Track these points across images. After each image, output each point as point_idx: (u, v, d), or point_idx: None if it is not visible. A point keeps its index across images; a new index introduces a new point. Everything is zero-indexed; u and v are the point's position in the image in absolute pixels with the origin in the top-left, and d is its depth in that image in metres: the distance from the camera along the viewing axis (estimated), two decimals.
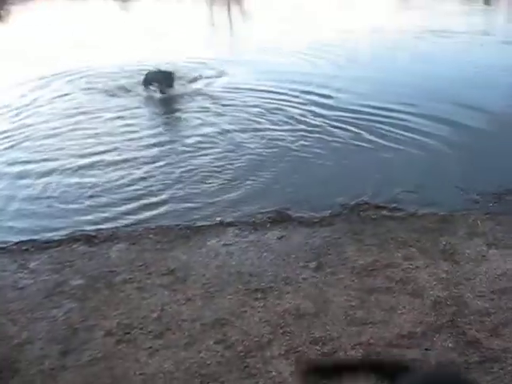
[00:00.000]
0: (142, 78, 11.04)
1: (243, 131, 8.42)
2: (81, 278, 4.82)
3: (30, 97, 11.16)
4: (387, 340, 3.75)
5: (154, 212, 6.08)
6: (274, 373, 3.52)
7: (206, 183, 6.77)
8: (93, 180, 7.07)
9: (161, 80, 10.38)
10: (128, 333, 4.03)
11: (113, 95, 10.84)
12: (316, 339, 3.78)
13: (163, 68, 10.65)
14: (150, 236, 5.47)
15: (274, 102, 9.68)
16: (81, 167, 7.50)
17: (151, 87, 10.69)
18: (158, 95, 10.58)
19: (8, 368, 3.75)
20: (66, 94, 11.14)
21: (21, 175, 7.40)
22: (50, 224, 6.05)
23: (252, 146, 7.89)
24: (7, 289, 4.79)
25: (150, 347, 3.86)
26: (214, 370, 3.60)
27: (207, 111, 9.50)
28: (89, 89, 11.29)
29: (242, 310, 4.17)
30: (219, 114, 9.30)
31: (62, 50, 15.31)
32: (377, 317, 4.00)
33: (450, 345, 3.70)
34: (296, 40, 14.74)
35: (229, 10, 24.40)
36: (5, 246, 5.60)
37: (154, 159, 7.59)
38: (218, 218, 5.80)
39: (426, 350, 3.66)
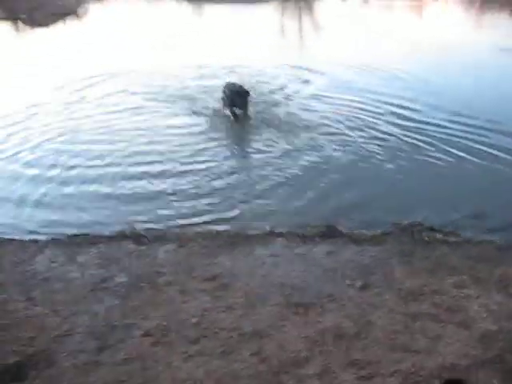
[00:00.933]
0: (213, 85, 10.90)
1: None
2: (126, 276, 4.86)
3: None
4: (428, 370, 3.61)
5: (205, 217, 6.09)
6: None
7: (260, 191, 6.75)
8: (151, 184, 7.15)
9: (238, 102, 9.55)
10: (165, 335, 4.02)
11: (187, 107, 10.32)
12: (353, 362, 3.67)
13: (237, 81, 10.02)
14: (199, 240, 5.46)
15: (356, 112, 9.71)
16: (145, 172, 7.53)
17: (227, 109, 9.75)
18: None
19: (45, 359, 3.80)
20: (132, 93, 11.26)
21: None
22: (103, 220, 6.18)
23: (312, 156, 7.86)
24: (54, 280, 4.88)
25: (185, 352, 3.84)
26: (246, 383, 3.54)
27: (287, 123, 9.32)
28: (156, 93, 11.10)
29: (282, 324, 4.10)
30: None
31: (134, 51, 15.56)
32: (420, 344, 3.86)
33: (495, 381, 3.52)
34: (369, 53, 14.64)
35: (300, 19, 24.34)
36: (59, 238, 5.73)
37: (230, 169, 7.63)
38: (268, 227, 5.75)
39: None
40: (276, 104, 10.24)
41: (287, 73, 12.49)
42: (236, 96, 9.48)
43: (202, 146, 8.29)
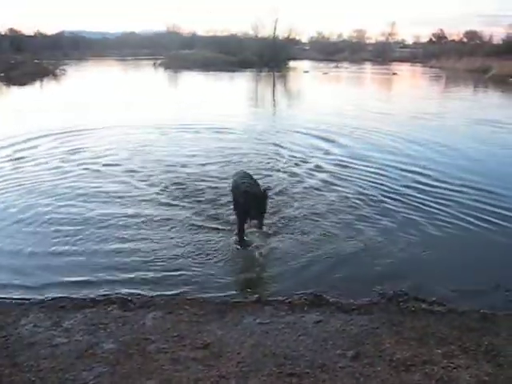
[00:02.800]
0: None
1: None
2: (113, 343, 4.79)
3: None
4: None
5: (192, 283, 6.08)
6: None
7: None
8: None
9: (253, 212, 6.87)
10: None
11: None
12: None
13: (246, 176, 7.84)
14: (186, 307, 5.43)
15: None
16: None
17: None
18: None
19: None
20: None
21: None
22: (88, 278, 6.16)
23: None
24: (40, 345, 4.78)
25: None
26: None
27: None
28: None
29: None
30: None
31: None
32: None
33: None
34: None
35: (273, 87, 25.09)
36: (43, 298, 5.66)
37: None
38: (255, 295, 5.76)
39: None
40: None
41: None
42: (253, 201, 6.66)
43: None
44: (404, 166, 11.64)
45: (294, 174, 10.85)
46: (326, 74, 51.83)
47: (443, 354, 4.66)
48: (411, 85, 40.09)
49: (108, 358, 4.54)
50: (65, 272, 6.40)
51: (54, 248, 7.09)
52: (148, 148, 13.51)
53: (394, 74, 52.11)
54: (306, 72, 52.67)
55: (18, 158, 12.21)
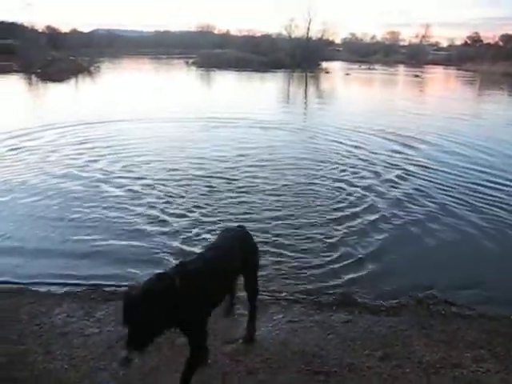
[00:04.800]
0: None
1: None
2: None
3: None
4: None
5: None
6: None
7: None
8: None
9: None
10: None
11: None
12: None
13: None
14: None
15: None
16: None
17: None
18: None
19: None
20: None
21: None
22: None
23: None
24: (73, 335, 4.88)
25: None
26: None
27: None
28: None
29: None
30: None
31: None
32: None
33: None
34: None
35: (309, 87, 25.10)
36: (76, 289, 5.80)
37: None
38: (284, 294, 5.79)
39: None
40: None
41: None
42: None
43: None
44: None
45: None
46: (348, 75, 51.58)
47: (472, 358, 4.63)
48: (446, 88, 39.66)
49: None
50: (97, 265, 6.52)
51: (85, 240, 7.23)
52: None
53: (417, 76, 51.36)
54: (348, 74, 52.39)
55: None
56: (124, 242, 7.19)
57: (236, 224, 5.26)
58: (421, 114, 21.64)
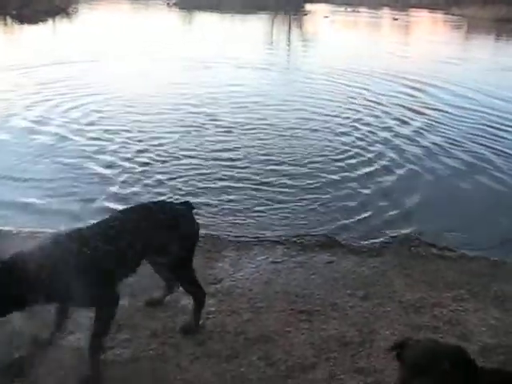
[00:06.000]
0: None
1: None
2: None
3: None
4: None
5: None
6: None
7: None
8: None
9: None
10: (172, 336, 4.04)
11: None
12: (359, 369, 3.72)
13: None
14: (200, 244, 5.48)
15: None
16: None
17: None
18: None
19: None
20: None
21: None
22: None
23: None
24: None
25: (192, 354, 3.86)
26: None
27: None
28: None
29: (287, 330, 4.14)
30: None
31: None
32: None
33: None
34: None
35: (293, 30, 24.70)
36: None
37: None
38: (268, 234, 5.83)
39: None
40: None
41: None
42: None
43: None
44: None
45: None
46: (326, 17, 50.50)
47: (452, 297, 4.71)
48: (432, 32, 39.21)
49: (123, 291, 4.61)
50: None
51: None
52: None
53: (395, 19, 50.12)
54: (326, 17, 51.35)
55: None
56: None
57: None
58: (409, 57, 21.45)
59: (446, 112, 11.77)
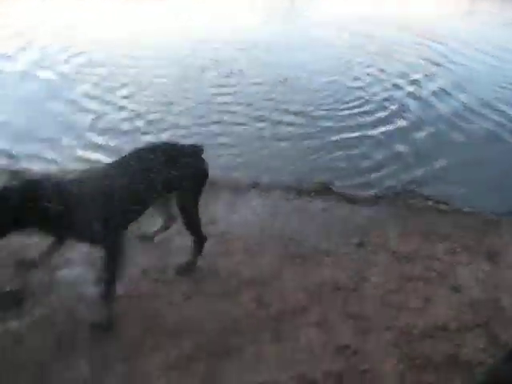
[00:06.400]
0: None
1: None
2: None
3: None
4: (421, 329, 3.71)
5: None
6: (304, 339, 3.53)
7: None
8: None
9: None
10: (164, 275, 4.06)
11: None
12: (350, 314, 3.77)
13: None
14: None
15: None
16: None
17: None
18: None
19: None
20: None
21: None
22: None
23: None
24: None
25: (185, 293, 3.89)
26: (246, 326, 3.61)
27: None
28: None
29: (280, 273, 4.17)
30: None
31: None
32: (413, 304, 3.95)
33: (481, 345, 3.64)
34: None
35: None
36: None
37: None
38: (265, 178, 5.83)
39: (458, 345, 3.61)
40: None
41: None
42: None
43: None
44: None
45: None
46: None
47: (445, 250, 4.72)
48: None
49: None
50: None
51: None
52: None
53: None
54: None
55: None
56: None
57: None
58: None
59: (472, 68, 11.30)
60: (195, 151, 3.97)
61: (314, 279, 4.12)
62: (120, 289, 3.79)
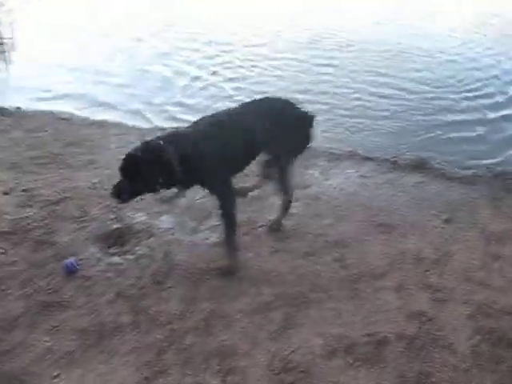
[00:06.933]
0: None
1: None
2: None
3: None
4: (501, 306, 3.70)
5: None
6: (380, 301, 3.65)
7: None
8: None
9: None
10: (254, 229, 4.32)
11: None
12: (430, 284, 3.83)
13: None
14: None
15: None
16: None
17: None
18: None
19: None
20: None
21: None
22: None
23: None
24: None
25: (273, 247, 4.13)
26: (326, 283, 3.80)
27: None
28: None
29: (365, 239, 4.31)
30: None
31: None
32: (496, 282, 3.93)
33: None
34: None
35: None
36: None
37: None
38: (360, 151, 5.90)
39: None
40: None
41: None
42: None
43: None
44: None
45: None
46: None
47: None
48: None
49: None
50: None
51: None
52: None
53: None
54: None
55: None
56: None
57: None
58: None
59: None
60: (308, 118, 4.18)
61: (398, 248, 4.22)
62: (214, 237, 4.13)
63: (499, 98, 7.81)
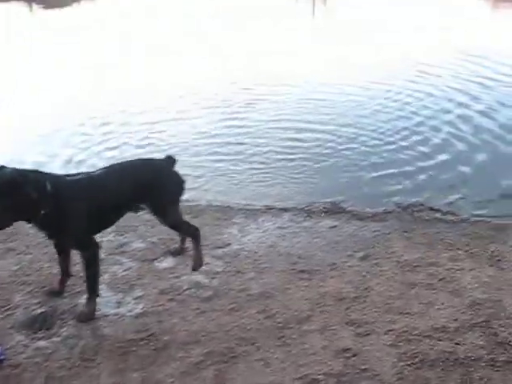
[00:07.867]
0: None
1: None
2: (142, 242, 5.21)
3: None
4: (420, 330, 3.90)
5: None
6: (307, 345, 3.77)
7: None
8: None
9: None
10: (179, 294, 4.38)
11: None
12: (352, 321, 4.00)
13: None
14: (211, 212, 5.83)
15: None
16: None
17: None
18: None
19: None
20: None
21: None
22: None
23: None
24: None
25: (198, 309, 4.20)
26: (253, 335, 3.89)
27: None
28: None
29: (287, 287, 4.45)
30: None
31: None
32: (414, 309, 4.15)
33: (480, 342, 3.80)
34: None
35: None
36: None
37: None
38: (277, 203, 6.12)
39: (457, 344, 3.79)
40: None
41: None
42: None
43: None
44: None
45: None
46: None
47: (449, 257, 4.91)
48: None
49: (136, 255, 4.99)
50: None
51: None
52: None
53: None
54: None
55: None
56: None
57: None
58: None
59: None
60: (165, 164, 4.50)
61: (319, 291, 4.38)
62: (139, 307, 4.17)
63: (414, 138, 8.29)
